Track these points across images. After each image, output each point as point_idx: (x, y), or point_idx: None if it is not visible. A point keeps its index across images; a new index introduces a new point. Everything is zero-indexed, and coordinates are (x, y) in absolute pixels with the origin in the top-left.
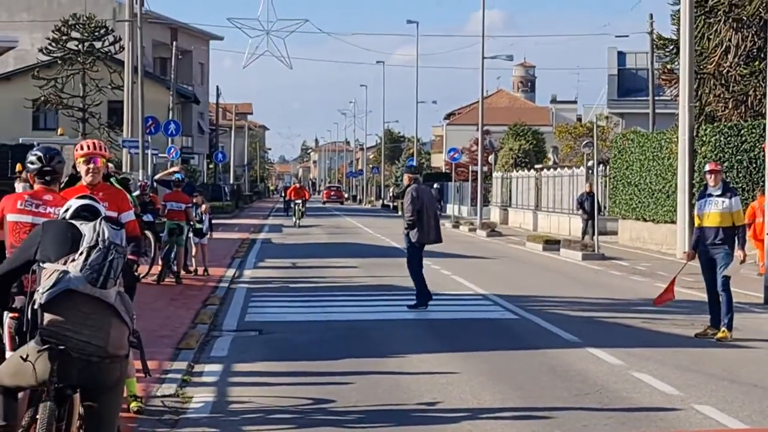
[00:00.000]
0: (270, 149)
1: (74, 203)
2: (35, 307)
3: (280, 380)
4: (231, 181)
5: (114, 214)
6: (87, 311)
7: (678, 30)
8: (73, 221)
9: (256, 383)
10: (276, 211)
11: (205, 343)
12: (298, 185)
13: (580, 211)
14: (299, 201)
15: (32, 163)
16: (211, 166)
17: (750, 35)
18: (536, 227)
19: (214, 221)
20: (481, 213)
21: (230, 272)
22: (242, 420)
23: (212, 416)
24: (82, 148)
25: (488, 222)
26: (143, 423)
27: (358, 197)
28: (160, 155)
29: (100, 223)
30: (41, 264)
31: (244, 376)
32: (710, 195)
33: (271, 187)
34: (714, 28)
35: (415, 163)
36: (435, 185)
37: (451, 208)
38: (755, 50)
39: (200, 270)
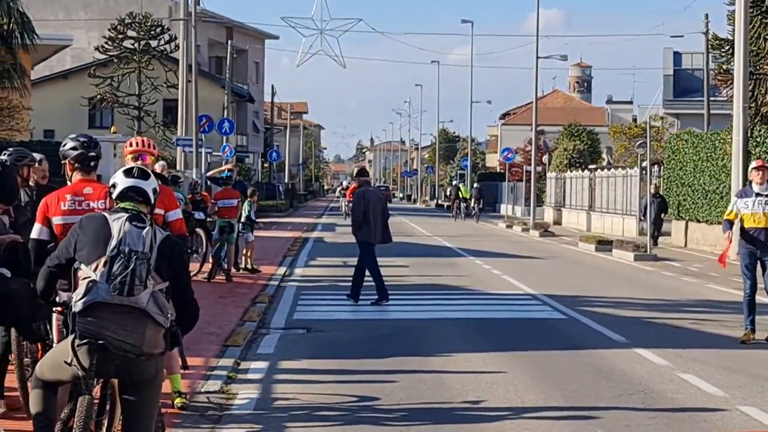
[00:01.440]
0: (325, 148)
1: (121, 182)
2: (72, 312)
3: (325, 378)
4: (286, 180)
5: (161, 212)
6: (120, 315)
7: (733, 30)
8: (108, 215)
9: (301, 380)
10: (330, 210)
11: (252, 340)
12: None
13: (643, 216)
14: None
15: (74, 149)
16: (266, 165)
17: None
18: (589, 228)
19: (268, 220)
20: (534, 213)
21: (281, 270)
22: (286, 417)
23: (256, 413)
24: (131, 145)
25: (541, 222)
26: (186, 419)
27: (413, 197)
28: (214, 154)
29: (124, 224)
30: (79, 264)
31: (290, 374)
32: (758, 194)
33: (326, 186)
34: None
35: (468, 164)
36: (456, 183)
37: (504, 208)
38: None
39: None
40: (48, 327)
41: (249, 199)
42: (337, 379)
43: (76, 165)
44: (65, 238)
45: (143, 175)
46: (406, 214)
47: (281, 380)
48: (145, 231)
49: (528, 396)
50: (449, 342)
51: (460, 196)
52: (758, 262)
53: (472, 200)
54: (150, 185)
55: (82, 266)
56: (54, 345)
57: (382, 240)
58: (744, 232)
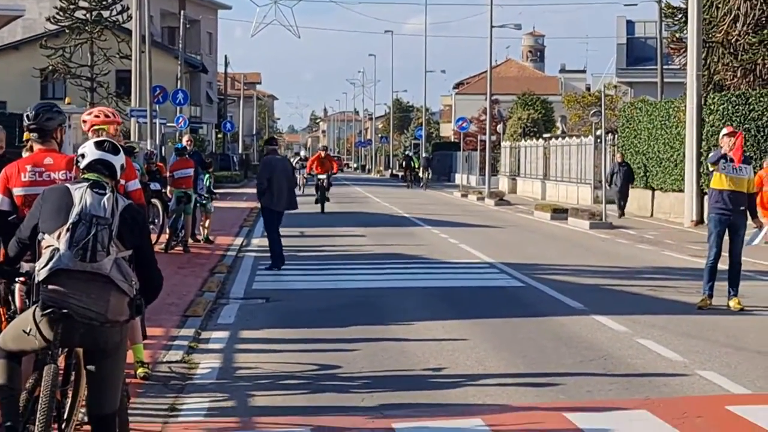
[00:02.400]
0: (279, 119)
1: (90, 153)
2: (35, 281)
3: (287, 347)
4: (240, 151)
5: (122, 182)
6: (84, 282)
7: None
8: (70, 185)
9: (263, 350)
10: None
11: (212, 310)
12: (322, 153)
13: (610, 185)
14: (323, 176)
15: (28, 118)
16: (219, 135)
17: (759, 3)
18: (544, 196)
19: (223, 191)
20: (489, 182)
21: (238, 241)
22: (249, 386)
23: (218, 382)
24: (96, 116)
25: (496, 191)
26: (150, 388)
27: (367, 167)
28: (168, 125)
29: (85, 192)
30: (42, 235)
31: (251, 343)
32: (732, 160)
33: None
34: None
35: (423, 134)
36: (407, 153)
37: (459, 178)
38: (764, 19)
39: (198, 237)
40: (10, 297)
41: (208, 170)
42: (299, 348)
43: (33, 135)
44: (30, 210)
45: (113, 149)
46: (361, 183)
47: (242, 350)
48: (106, 197)
49: (489, 363)
50: (410, 311)
51: (412, 165)
52: (727, 229)
53: (421, 170)
54: (119, 161)
55: (46, 236)
56: (17, 314)
57: (287, 207)
58: (725, 195)
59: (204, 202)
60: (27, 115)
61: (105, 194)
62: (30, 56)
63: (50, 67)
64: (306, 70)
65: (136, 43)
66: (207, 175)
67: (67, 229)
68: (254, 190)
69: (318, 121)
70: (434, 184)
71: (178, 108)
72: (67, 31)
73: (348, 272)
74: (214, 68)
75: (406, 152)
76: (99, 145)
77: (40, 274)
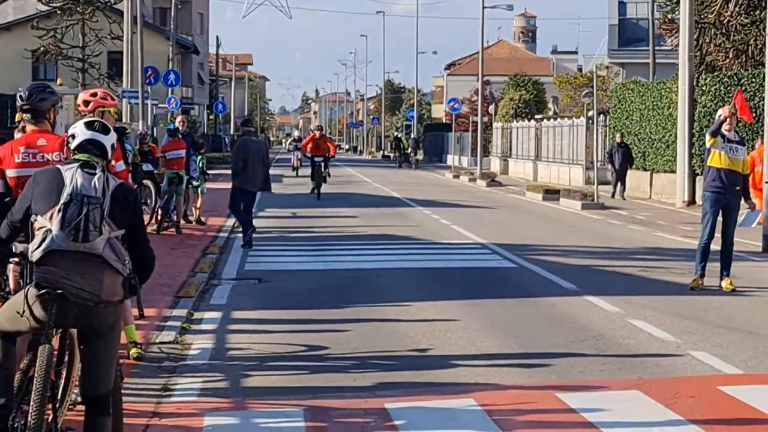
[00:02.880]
0: (270, 100)
1: (81, 133)
2: (29, 262)
3: (279, 327)
4: (231, 132)
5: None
6: (77, 263)
7: None
8: (61, 166)
9: (255, 330)
10: (277, 162)
11: (204, 291)
12: (317, 134)
13: (609, 166)
14: (320, 159)
15: (20, 98)
16: (211, 117)
17: None
18: (536, 177)
19: (215, 172)
20: (481, 163)
21: (230, 222)
22: (241, 366)
23: (211, 363)
24: (103, 98)
25: (488, 172)
26: (143, 369)
27: (359, 148)
28: (160, 106)
29: (76, 172)
30: (35, 217)
31: (243, 324)
32: (730, 141)
33: (272, 138)
34: None
35: (415, 115)
36: (397, 134)
37: (451, 159)
38: None
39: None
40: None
41: (200, 151)
42: (291, 329)
43: (26, 116)
44: (22, 192)
45: (104, 129)
46: (353, 164)
47: (235, 330)
48: (96, 177)
49: (481, 343)
50: (402, 291)
51: (402, 146)
52: (721, 209)
53: (411, 150)
54: (109, 140)
55: (38, 217)
56: (11, 295)
57: (262, 188)
58: (723, 173)
59: (196, 183)
60: (20, 96)
61: (95, 174)
62: (21, 37)
63: (42, 49)
64: (297, 51)
65: (127, 24)
66: (199, 157)
67: (59, 210)
68: None
69: (309, 102)
70: (426, 165)
71: (169, 89)
72: (58, 12)
73: (340, 253)
74: (206, 49)
75: (396, 133)
76: (89, 125)
77: (34, 255)
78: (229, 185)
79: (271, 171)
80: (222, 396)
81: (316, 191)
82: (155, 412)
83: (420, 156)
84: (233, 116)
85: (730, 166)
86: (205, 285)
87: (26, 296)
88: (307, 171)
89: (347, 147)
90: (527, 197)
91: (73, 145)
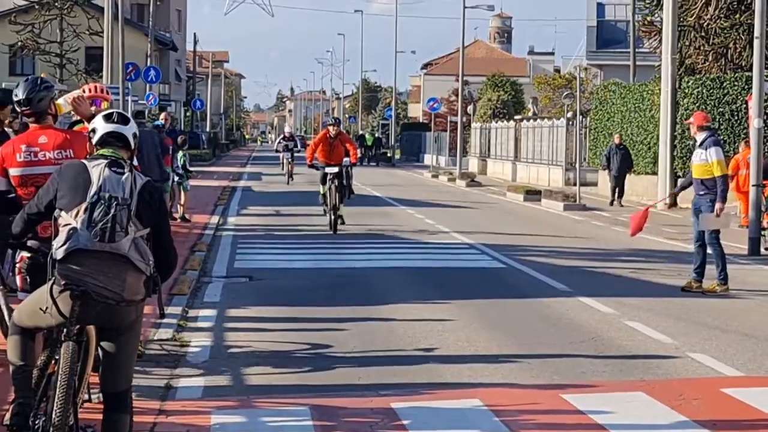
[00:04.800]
0: (246, 97)
1: (101, 127)
2: (52, 259)
3: (276, 326)
4: (207, 129)
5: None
6: (101, 262)
7: None
8: (87, 161)
9: (252, 329)
10: (254, 160)
11: (196, 288)
12: (332, 130)
13: (607, 170)
14: (334, 169)
15: (15, 95)
16: (188, 114)
17: None
18: (515, 178)
19: (193, 169)
20: (461, 163)
21: (214, 219)
22: (242, 364)
23: (211, 360)
24: (87, 92)
25: (467, 172)
26: (144, 366)
27: None
28: (139, 102)
29: (103, 170)
30: (60, 212)
31: (239, 322)
32: (695, 144)
33: (247, 136)
34: None
35: (392, 114)
36: (361, 133)
37: (429, 158)
38: (736, 2)
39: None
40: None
41: (184, 149)
42: (288, 327)
43: (25, 111)
44: (44, 186)
45: (123, 120)
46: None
47: (232, 328)
48: (124, 177)
49: (480, 343)
50: (394, 291)
51: (366, 144)
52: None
53: (373, 148)
54: (130, 130)
55: (63, 213)
56: (18, 290)
57: (157, 179)
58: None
59: (178, 180)
60: (16, 97)
61: (123, 173)
62: None
63: (19, 43)
64: (274, 49)
65: (108, 20)
66: (181, 153)
67: (86, 209)
68: (225, 169)
69: (285, 100)
70: (403, 164)
71: (148, 86)
72: (36, 6)
73: (328, 251)
74: (183, 46)
75: (361, 132)
76: (108, 117)
77: (58, 253)
78: (209, 182)
79: (249, 168)
80: (226, 394)
81: (331, 222)
82: (161, 410)
83: (389, 153)
84: (209, 113)
85: (692, 169)
86: (197, 283)
87: (51, 291)
88: (305, 178)
89: None
90: (508, 197)
91: (95, 139)
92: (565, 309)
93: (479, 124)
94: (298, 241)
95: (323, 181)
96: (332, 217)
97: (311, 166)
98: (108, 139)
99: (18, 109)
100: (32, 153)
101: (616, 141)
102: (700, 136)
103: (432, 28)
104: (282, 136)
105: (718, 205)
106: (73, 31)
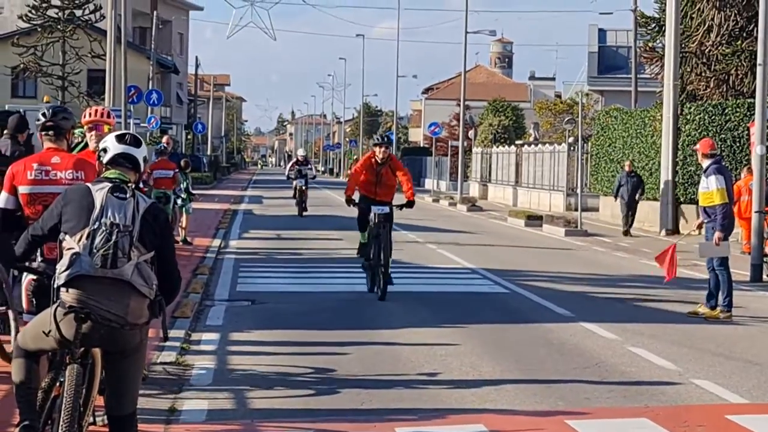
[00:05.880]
0: (246, 121)
1: (113, 147)
2: (55, 285)
3: (279, 349)
4: (208, 152)
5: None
6: (104, 287)
7: (660, 8)
8: (92, 185)
9: (255, 352)
10: (254, 183)
11: (199, 312)
12: (379, 154)
13: (619, 199)
14: (385, 208)
15: (37, 119)
16: (189, 137)
17: (732, 14)
18: (516, 203)
19: (194, 192)
20: (462, 187)
21: (216, 242)
22: (247, 388)
23: (216, 384)
24: (88, 116)
25: (468, 197)
26: (147, 389)
27: (335, 170)
28: (141, 125)
29: (106, 196)
30: (64, 235)
31: (242, 345)
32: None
33: (248, 159)
34: (697, 7)
35: (394, 137)
36: (355, 157)
37: (430, 183)
38: (737, 29)
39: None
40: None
41: (186, 171)
42: (292, 351)
43: (44, 134)
44: (49, 208)
45: (135, 142)
46: (331, 187)
47: (235, 352)
48: (127, 202)
49: (484, 368)
50: (396, 315)
51: None
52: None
53: None
54: (141, 153)
55: (67, 237)
56: (24, 311)
57: None
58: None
59: (180, 203)
60: (43, 114)
61: (126, 199)
62: (1, 54)
63: (21, 66)
64: (275, 73)
65: (110, 42)
66: (184, 176)
67: (88, 235)
68: (226, 192)
69: (285, 123)
70: None
71: (149, 108)
72: (39, 29)
73: (330, 275)
74: (185, 69)
75: (355, 156)
76: (120, 138)
77: (60, 278)
78: (210, 206)
79: (250, 192)
80: (230, 417)
81: (378, 282)
82: None
83: None
84: (210, 136)
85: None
86: (199, 306)
87: (54, 315)
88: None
89: (323, 169)
90: (509, 223)
91: (106, 159)
92: (568, 334)
93: (480, 148)
94: (300, 265)
95: (363, 226)
96: (379, 277)
97: (349, 201)
98: (118, 160)
99: (40, 127)
100: (44, 172)
101: (627, 168)
102: (705, 164)
103: (433, 52)
104: (294, 160)
105: (716, 234)
106: (75, 53)
